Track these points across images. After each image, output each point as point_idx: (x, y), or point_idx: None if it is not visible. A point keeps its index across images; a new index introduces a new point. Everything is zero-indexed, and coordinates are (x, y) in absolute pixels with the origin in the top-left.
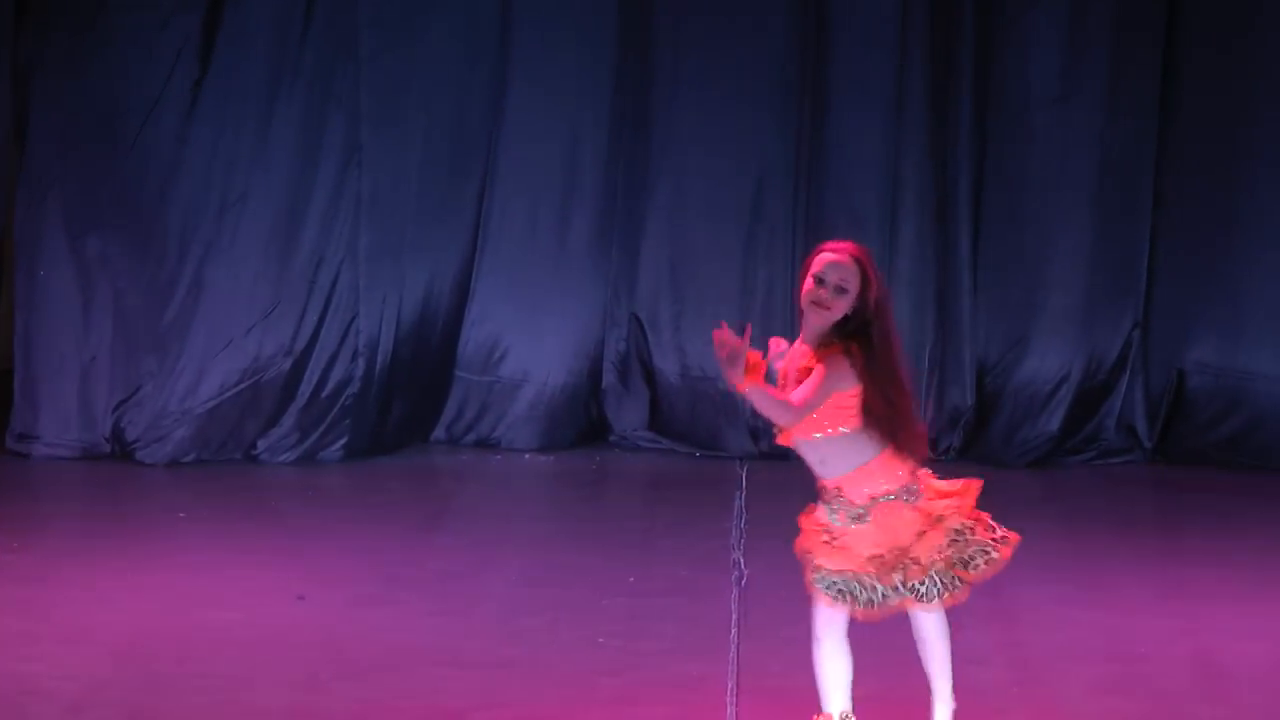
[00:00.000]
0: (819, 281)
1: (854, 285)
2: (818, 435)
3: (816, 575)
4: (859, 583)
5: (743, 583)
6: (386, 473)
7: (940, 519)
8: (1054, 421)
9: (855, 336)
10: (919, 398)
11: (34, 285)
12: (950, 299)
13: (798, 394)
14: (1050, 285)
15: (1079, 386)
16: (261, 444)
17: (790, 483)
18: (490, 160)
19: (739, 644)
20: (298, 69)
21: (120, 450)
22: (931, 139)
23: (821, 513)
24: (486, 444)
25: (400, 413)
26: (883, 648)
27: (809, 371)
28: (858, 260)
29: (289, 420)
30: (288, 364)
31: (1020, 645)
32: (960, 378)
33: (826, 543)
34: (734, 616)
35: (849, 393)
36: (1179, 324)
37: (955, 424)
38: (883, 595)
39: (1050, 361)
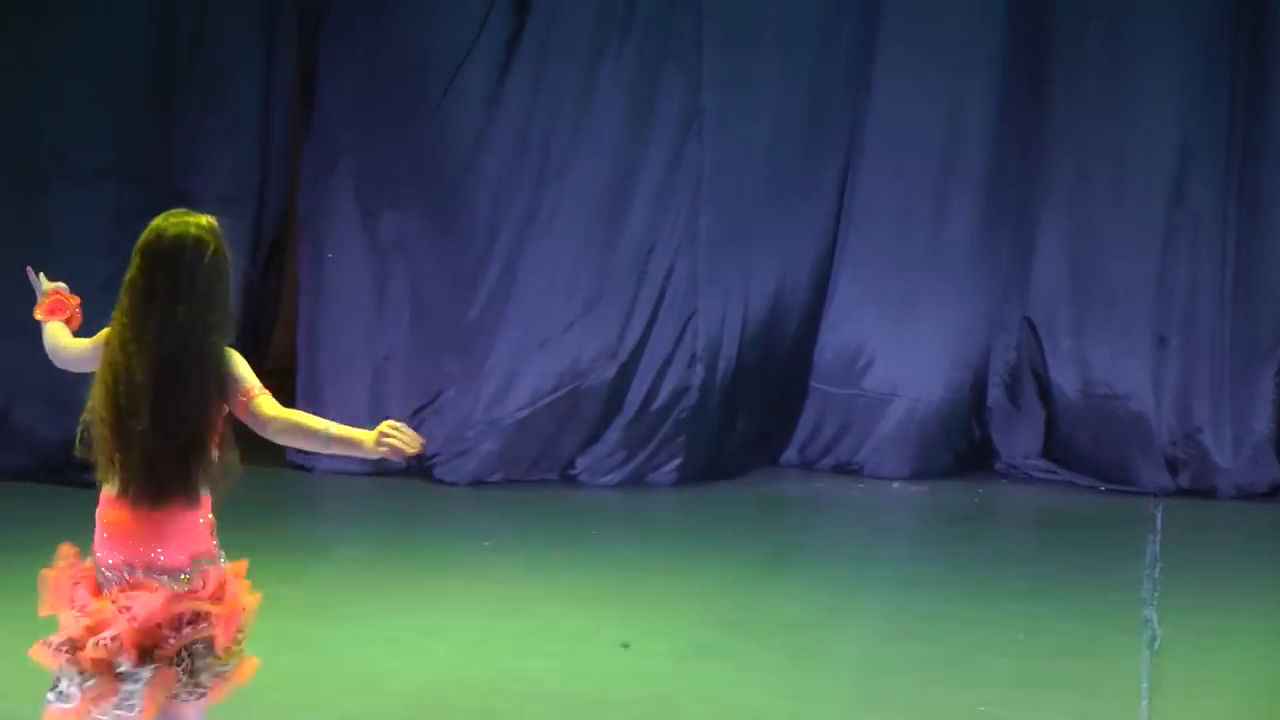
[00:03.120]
0: None
1: None
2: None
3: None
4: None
5: (1155, 645)
6: (727, 500)
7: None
8: None
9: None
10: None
11: (320, 270)
12: None
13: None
14: None
15: None
16: (581, 463)
17: (1215, 524)
18: (855, 133)
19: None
20: (629, 21)
21: (417, 466)
22: None
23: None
24: (846, 469)
25: (745, 430)
26: None
27: None
28: None
29: (613, 436)
30: (612, 369)
31: None
32: None
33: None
34: (1143, 685)
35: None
36: None
37: None
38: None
39: None
